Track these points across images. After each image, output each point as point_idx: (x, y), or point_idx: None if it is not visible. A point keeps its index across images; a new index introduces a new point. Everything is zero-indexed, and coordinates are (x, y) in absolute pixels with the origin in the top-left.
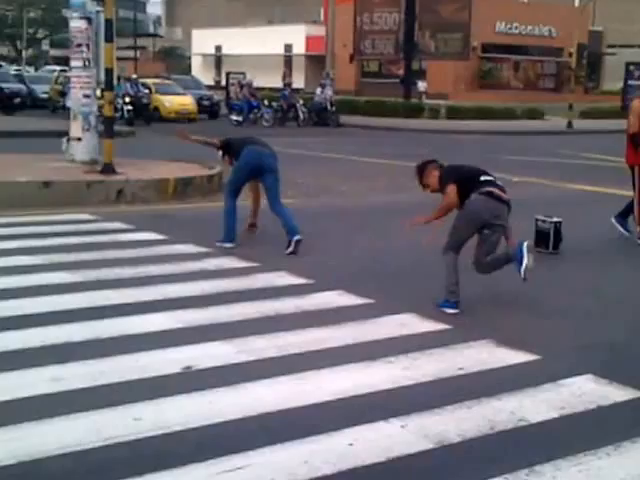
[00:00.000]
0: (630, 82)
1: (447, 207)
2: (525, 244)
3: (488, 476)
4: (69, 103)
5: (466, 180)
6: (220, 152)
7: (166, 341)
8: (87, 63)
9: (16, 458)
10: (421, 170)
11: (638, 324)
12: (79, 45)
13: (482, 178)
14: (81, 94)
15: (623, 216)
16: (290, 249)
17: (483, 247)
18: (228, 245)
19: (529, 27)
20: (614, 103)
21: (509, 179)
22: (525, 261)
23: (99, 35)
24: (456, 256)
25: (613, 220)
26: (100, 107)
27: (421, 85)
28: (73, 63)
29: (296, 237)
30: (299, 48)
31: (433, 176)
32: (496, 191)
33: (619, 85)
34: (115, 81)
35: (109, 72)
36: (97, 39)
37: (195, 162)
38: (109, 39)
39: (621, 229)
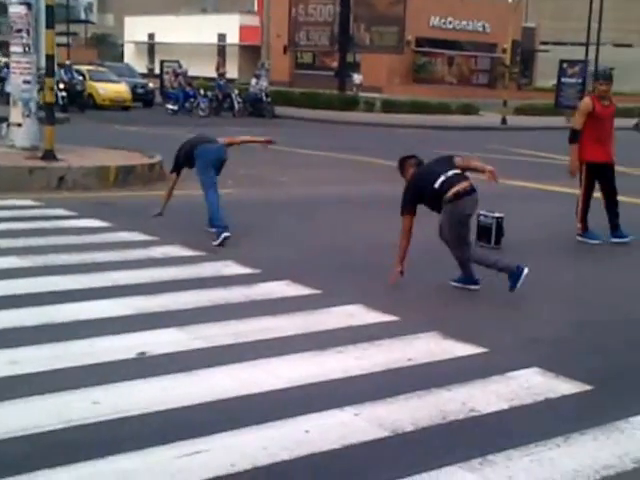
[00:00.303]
0: (563, 79)
1: (402, 240)
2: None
3: (443, 464)
4: (9, 89)
5: (425, 192)
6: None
7: (119, 327)
8: (27, 49)
9: None
10: (400, 166)
11: (582, 318)
12: (19, 31)
13: (437, 184)
14: (21, 80)
15: (614, 229)
16: (216, 240)
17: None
18: (226, 234)
19: (463, 22)
20: (547, 100)
21: None
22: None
23: (39, 21)
24: (470, 247)
25: (613, 240)
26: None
27: (357, 78)
28: (13, 49)
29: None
30: (233, 38)
31: (409, 174)
32: (460, 189)
33: (551, 82)
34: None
35: (50, 58)
36: (37, 25)
37: (136, 150)
38: (50, 25)
39: (623, 240)
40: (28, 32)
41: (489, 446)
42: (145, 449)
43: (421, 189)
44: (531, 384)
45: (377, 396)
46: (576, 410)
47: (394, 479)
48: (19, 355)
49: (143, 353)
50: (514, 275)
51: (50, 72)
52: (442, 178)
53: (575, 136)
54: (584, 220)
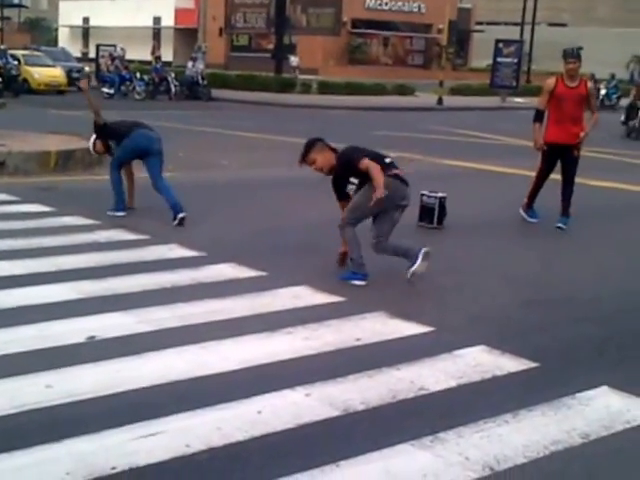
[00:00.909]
0: (499, 59)
1: (378, 178)
2: (423, 251)
3: (395, 442)
4: None
5: (373, 160)
6: (94, 136)
7: (67, 311)
8: None
9: None
10: (310, 146)
11: (526, 296)
12: None
13: (386, 160)
14: None
15: (563, 214)
16: (175, 223)
17: (386, 227)
18: (120, 214)
19: (399, 3)
20: (482, 80)
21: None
22: (416, 265)
23: None
24: (354, 229)
25: (560, 225)
26: None
27: (294, 60)
28: None
29: (181, 214)
30: (168, 21)
31: (324, 156)
32: (400, 173)
33: (486, 62)
34: None
35: None
36: None
37: (74, 135)
38: None
39: (559, 225)
40: None
41: (439, 424)
42: (100, 432)
43: (369, 156)
44: (478, 362)
45: (327, 376)
46: (523, 387)
47: (347, 457)
48: None
49: (92, 337)
50: (351, 273)
51: None
52: (390, 159)
53: (538, 115)
54: (531, 197)
